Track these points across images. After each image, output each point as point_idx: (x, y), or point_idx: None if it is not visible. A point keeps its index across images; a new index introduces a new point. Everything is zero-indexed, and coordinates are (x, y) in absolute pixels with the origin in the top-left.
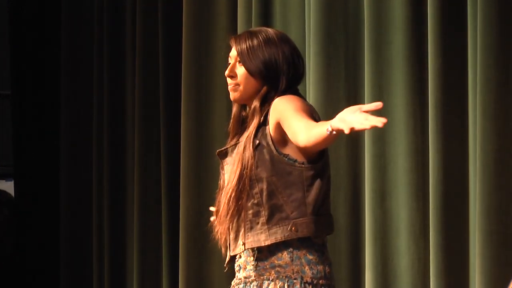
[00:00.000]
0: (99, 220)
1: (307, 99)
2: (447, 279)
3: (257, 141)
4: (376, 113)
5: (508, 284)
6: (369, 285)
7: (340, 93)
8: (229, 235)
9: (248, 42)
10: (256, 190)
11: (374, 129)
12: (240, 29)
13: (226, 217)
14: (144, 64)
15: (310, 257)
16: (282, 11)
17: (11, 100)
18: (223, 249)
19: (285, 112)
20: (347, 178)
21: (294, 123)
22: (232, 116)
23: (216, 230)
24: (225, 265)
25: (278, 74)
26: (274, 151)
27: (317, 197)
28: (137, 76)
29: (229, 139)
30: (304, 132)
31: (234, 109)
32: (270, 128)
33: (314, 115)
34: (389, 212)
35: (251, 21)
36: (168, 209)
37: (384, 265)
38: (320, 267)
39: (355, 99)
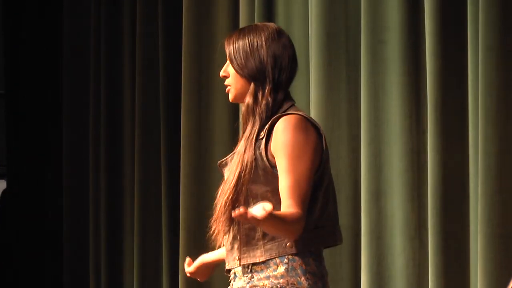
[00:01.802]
0: (98, 221)
1: (309, 99)
2: (445, 280)
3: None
4: (373, 111)
5: (508, 284)
6: (364, 285)
7: (341, 94)
8: (225, 245)
9: (236, 43)
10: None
11: (370, 129)
12: None
13: (222, 217)
14: (144, 64)
15: (307, 267)
16: (285, 11)
17: (5, 99)
18: (217, 245)
19: (282, 157)
20: (348, 178)
21: (284, 187)
22: (242, 114)
23: (213, 229)
24: (225, 273)
25: (264, 74)
26: (268, 166)
27: (313, 210)
28: (137, 76)
29: (240, 137)
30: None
31: (243, 107)
32: (272, 149)
33: (315, 151)
34: (384, 212)
35: (254, 21)
36: (168, 209)
37: (379, 265)
38: (316, 278)
39: (356, 99)
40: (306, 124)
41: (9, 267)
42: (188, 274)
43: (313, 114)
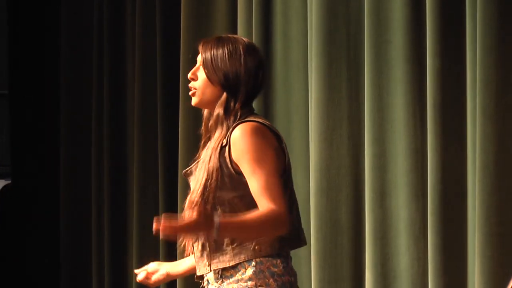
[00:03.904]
0: (99, 220)
1: (308, 100)
2: (445, 279)
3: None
4: (377, 111)
5: (507, 284)
6: (369, 284)
7: (342, 93)
8: (195, 252)
9: (213, 51)
10: (219, 212)
11: (374, 128)
12: (240, 29)
13: None
14: (143, 64)
15: (274, 269)
16: (283, 10)
17: (9, 99)
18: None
19: (245, 165)
20: (349, 177)
21: (255, 194)
22: (203, 120)
23: (181, 238)
24: (195, 279)
25: (238, 85)
26: (234, 173)
27: None
28: (136, 76)
29: (201, 144)
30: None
31: (205, 112)
32: (233, 158)
33: (274, 151)
34: (388, 212)
35: (251, 21)
36: (167, 208)
37: (384, 265)
38: (285, 278)
39: (357, 99)
40: (263, 130)
41: (10, 267)
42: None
43: (313, 113)
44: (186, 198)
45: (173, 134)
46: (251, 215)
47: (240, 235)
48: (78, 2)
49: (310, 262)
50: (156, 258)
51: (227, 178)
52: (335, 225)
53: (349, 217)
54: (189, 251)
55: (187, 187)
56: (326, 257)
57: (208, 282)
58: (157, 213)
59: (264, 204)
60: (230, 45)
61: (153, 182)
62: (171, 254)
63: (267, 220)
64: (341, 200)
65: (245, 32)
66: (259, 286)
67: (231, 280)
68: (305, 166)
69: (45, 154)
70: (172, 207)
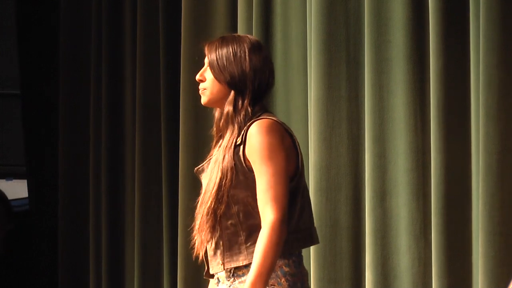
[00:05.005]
0: (98, 220)
1: (308, 99)
2: (449, 279)
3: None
4: (377, 111)
5: (508, 284)
6: (369, 284)
7: (341, 93)
8: (208, 251)
9: (218, 51)
10: (233, 210)
11: (375, 128)
12: (240, 30)
13: (205, 225)
14: (144, 64)
15: (286, 269)
16: (283, 10)
17: (21, 99)
18: (200, 256)
19: (256, 160)
20: (348, 177)
21: (260, 191)
22: (214, 121)
23: (195, 238)
24: (204, 277)
25: (245, 83)
26: (247, 171)
27: (292, 214)
28: (137, 76)
29: (214, 143)
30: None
31: (216, 113)
32: (246, 153)
33: (287, 152)
34: (389, 212)
35: (252, 21)
36: (168, 208)
37: (384, 264)
38: (296, 278)
39: (356, 98)
40: (279, 128)
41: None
42: None
43: (312, 113)
44: (198, 197)
45: (174, 134)
46: (257, 253)
47: (265, 273)
48: (78, 2)
49: (310, 261)
50: (159, 257)
51: (242, 176)
52: (334, 225)
53: (349, 216)
54: (198, 250)
55: (189, 186)
56: (326, 257)
57: (219, 281)
58: (159, 213)
59: (262, 208)
60: (235, 44)
61: (154, 182)
62: (174, 253)
63: (272, 240)
64: (341, 200)
65: (245, 32)
66: (271, 285)
67: (243, 278)
68: (305, 166)
69: (44, 154)
70: (174, 207)
